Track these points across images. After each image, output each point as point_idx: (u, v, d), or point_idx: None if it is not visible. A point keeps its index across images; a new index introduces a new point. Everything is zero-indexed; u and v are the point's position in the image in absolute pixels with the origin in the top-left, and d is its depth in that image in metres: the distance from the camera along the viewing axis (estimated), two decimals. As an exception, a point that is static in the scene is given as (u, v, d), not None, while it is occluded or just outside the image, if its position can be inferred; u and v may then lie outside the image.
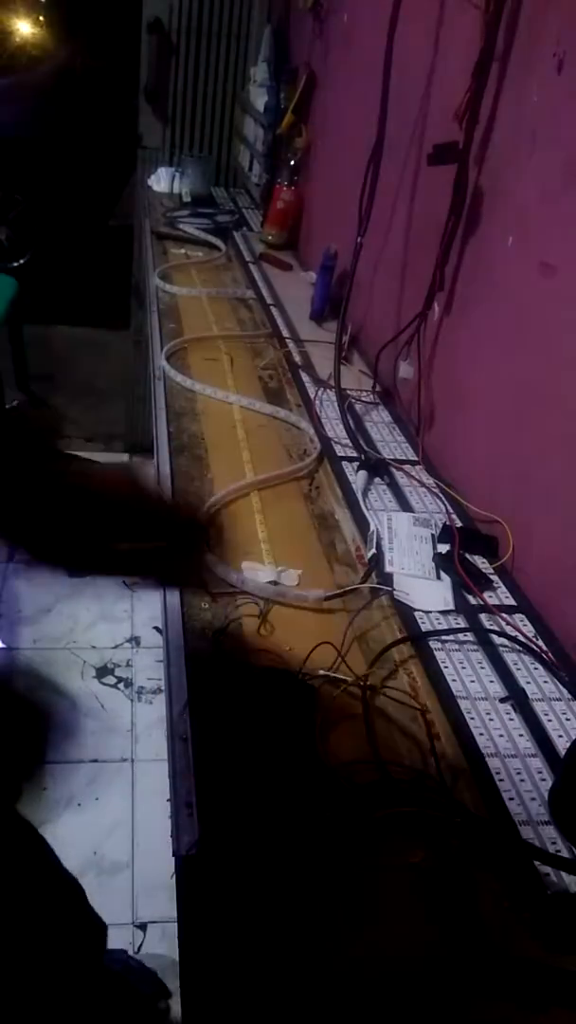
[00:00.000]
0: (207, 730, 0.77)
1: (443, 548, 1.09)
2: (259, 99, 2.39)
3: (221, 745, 0.76)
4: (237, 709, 0.76)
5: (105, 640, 2.28)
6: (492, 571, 1.08)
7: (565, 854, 0.71)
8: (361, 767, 0.75)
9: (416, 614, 0.98)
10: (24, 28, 2.50)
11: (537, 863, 0.69)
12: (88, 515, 0.56)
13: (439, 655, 0.92)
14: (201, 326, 1.67)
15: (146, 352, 1.64)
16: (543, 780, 0.77)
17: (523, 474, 1.09)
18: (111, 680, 2.16)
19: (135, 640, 2.30)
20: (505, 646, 0.95)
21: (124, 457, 3.05)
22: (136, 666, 2.22)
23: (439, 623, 0.97)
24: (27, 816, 0.98)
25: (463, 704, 0.85)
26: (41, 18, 2.53)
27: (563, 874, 0.68)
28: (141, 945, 1.60)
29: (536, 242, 1.06)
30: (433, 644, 0.93)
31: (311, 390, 1.50)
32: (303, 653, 0.84)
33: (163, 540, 0.63)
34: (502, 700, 0.87)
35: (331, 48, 2.04)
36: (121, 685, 2.15)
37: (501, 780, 0.77)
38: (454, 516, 1.19)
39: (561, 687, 0.90)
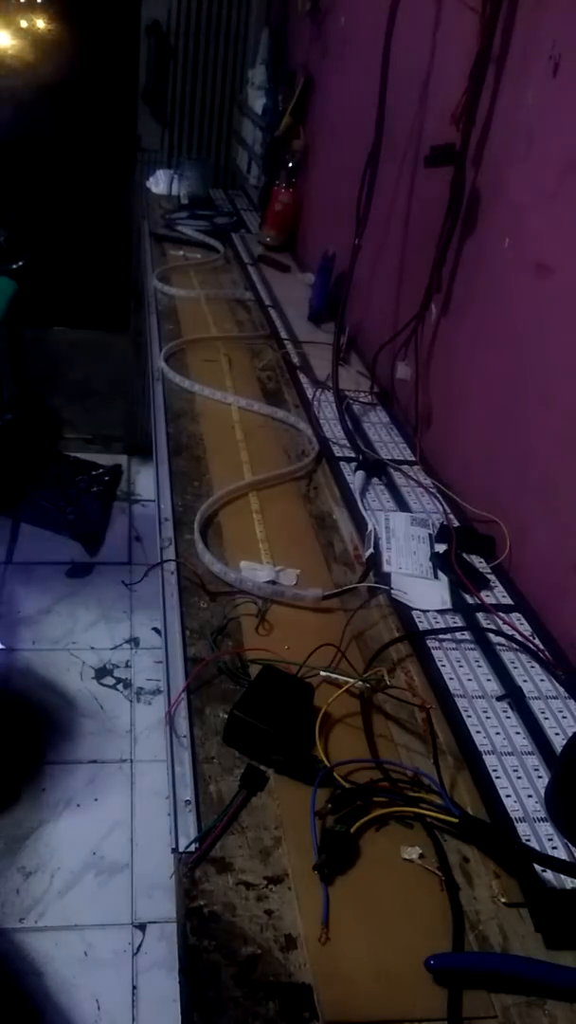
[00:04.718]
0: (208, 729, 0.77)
1: (440, 548, 1.10)
2: (257, 101, 2.39)
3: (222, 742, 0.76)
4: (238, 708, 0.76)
5: (104, 641, 2.29)
6: (489, 570, 1.09)
7: (561, 851, 0.71)
8: (360, 765, 0.76)
9: (414, 613, 0.98)
10: (3, 39, 2.53)
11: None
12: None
13: (436, 654, 0.92)
14: (200, 327, 1.67)
15: (145, 353, 1.64)
16: (540, 777, 0.78)
17: (520, 474, 1.10)
18: (110, 681, 2.16)
19: (134, 641, 2.31)
20: (502, 645, 0.95)
21: (123, 459, 3.06)
22: (135, 667, 2.22)
23: (436, 622, 0.98)
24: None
25: (460, 702, 0.86)
26: (40, 24, 2.55)
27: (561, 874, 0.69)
28: (140, 945, 1.60)
29: (533, 243, 1.06)
30: (431, 643, 0.94)
31: (309, 391, 1.51)
32: (301, 652, 0.85)
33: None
34: (499, 698, 0.87)
35: (329, 50, 2.04)
36: (120, 686, 2.15)
37: (498, 777, 0.77)
38: (451, 516, 1.19)
39: (558, 685, 0.90)
